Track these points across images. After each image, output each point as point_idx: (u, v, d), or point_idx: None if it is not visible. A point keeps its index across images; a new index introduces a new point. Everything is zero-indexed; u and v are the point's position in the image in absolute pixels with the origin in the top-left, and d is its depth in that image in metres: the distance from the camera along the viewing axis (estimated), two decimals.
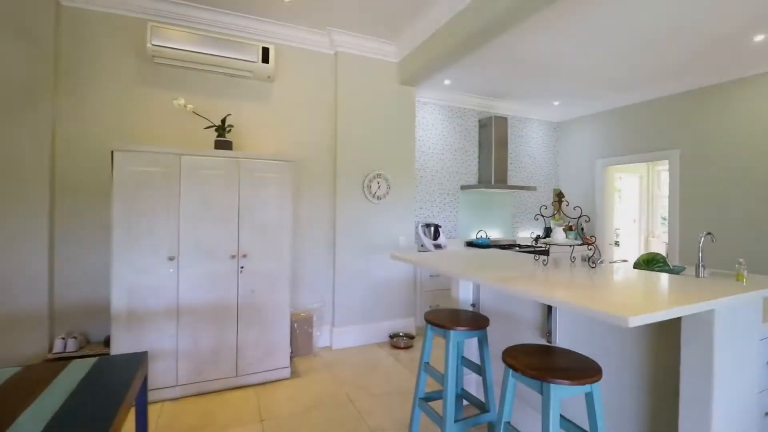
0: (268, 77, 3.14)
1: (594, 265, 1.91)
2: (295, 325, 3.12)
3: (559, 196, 1.89)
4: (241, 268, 2.63)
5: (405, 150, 3.70)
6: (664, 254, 4.23)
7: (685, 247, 4.10)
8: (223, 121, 2.86)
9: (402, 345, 3.38)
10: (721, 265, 3.81)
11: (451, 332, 1.78)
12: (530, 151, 5.26)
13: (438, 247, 3.90)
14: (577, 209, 2.12)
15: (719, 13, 2.76)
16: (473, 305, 2.50)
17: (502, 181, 4.67)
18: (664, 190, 6.30)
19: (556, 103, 4.92)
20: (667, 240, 5.73)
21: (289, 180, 2.80)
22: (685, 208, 4.10)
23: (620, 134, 4.73)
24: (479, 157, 4.81)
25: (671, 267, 2.32)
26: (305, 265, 3.36)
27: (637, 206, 5.97)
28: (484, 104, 4.78)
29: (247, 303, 2.66)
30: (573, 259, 2.06)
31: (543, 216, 2.15)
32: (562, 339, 1.88)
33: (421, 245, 3.95)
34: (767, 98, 3.51)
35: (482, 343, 1.86)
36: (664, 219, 6.43)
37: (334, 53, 3.46)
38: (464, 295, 2.56)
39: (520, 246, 4.57)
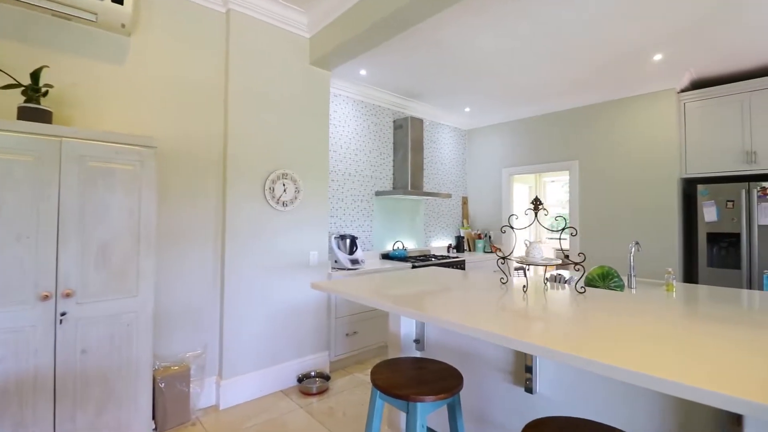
0: (123, 26, 2.14)
1: (583, 290, 1.56)
2: (162, 385, 2.16)
3: (536, 201, 1.47)
4: (62, 315, 1.63)
5: (317, 146, 3.03)
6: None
7: (587, 249, 4.30)
8: (35, 76, 1.79)
9: (315, 390, 2.67)
10: (616, 268, 4.07)
11: (418, 405, 1.20)
12: (442, 157, 5.08)
13: (355, 263, 3.31)
14: (557, 216, 1.77)
15: (628, 30, 2.82)
16: (417, 341, 1.98)
17: (417, 187, 4.33)
18: (550, 199, 6.84)
19: (467, 110, 4.82)
20: (559, 246, 6.14)
21: (151, 175, 1.89)
22: (585, 217, 4.32)
23: (525, 144, 4.84)
24: (394, 160, 4.40)
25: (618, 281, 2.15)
26: (179, 297, 2.41)
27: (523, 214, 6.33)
28: (400, 104, 4.39)
29: (75, 370, 1.66)
30: (546, 282, 1.70)
31: (511, 227, 1.74)
32: (548, 389, 1.46)
33: (335, 261, 3.31)
34: (650, 115, 3.86)
35: (455, 411, 1.33)
36: (552, 228, 6.99)
37: (225, 11, 2.61)
38: (405, 329, 2.02)
39: (436, 257, 4.27)
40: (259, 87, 2.69)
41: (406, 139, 4.23)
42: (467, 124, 5.36)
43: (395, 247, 4.26)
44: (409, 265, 3.72)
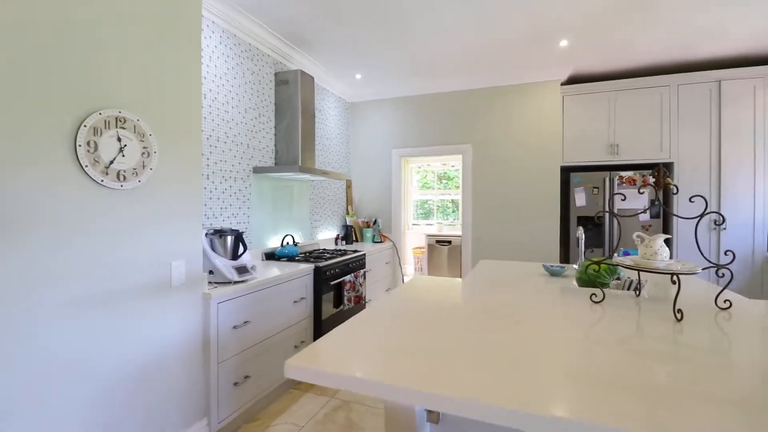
0: None
1: (728, 304, 1.07)
2: None
3: (661, 172, 0.91)
4: None
5: (183, 79, 1.78)
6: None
7: (478, 238, 4.23)
8: None
9: None
10: (506, 253, 4.13)
11: None
12: (327, 131, 4.20)
13: (244, 272, 2.17)
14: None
15: (534, 12, 2.67)
16: (430, 411, 1.18)
17: (310, 165, 3.37)
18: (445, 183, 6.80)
19: (358, 77, 4.07)
20: (454, 232, 6.12)
21: None
22: (477, 202, 4.23)
23: (418, 124, 4.45)
24: (277, 127, 3.29)
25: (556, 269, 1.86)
26: None
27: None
28: (284, 52, 3.29)
29: None
30: (637, 291, 1.17)
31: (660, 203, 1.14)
32: None
33: (210, 272, 2.09)
34: (539, 104, 3.98)
35: None
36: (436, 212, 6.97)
37: None
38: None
39: (329, 252, 3.43)
40: None
41: (295, 100, 3.19)
42: (353, 95, 4.61)
43: (285, 243, 3.20)
44: (311, 266, 2.79)
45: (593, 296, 1.08)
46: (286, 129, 3.22)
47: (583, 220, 4.02)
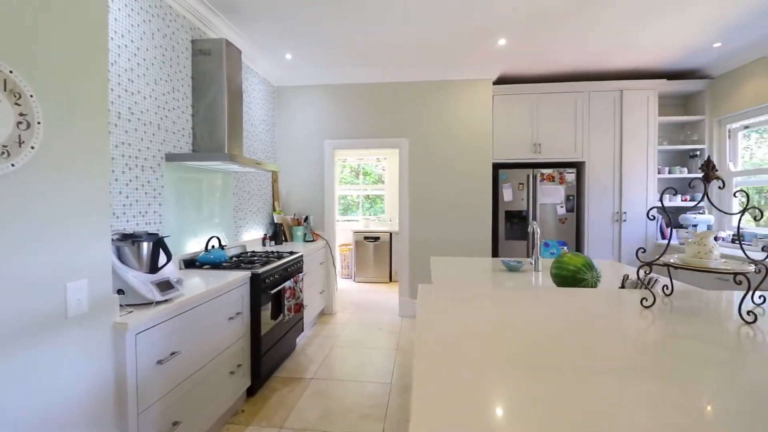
0: None
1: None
2: None
3: (710, 165, 0.84)
4: None
5: (82, 13, 1.24)
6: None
7: (414, 234, 4.15)
8: None
9: None
10: (442, 248, 4.13)
11: None
12: (252, 115, 3.67)
13: (168, 288, 1.67)
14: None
15: (486, 4, 2.67)
16: None
17: (237, 153, 2.86)
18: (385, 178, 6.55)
19: (288, 56, 3.63)
20: (392, 228, 5.94)
21: None
22: (414, 197, 4.14)
23: (353, 114, 4.17)
24: (196, 106, 2.71)
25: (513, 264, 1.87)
26: None
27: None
28: (203, 16, 2.71)
29: None
30: (663, 289, 1.10)
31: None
32: None
33: (119, 291, 1.55)
34: (473, 101, 4.04)
35: None
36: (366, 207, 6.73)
37: None
38: None
39: (259, 255, 2.99)
40: None
41: (220, 76, 2.66)
42: (281, 78, 4.12)
43: (210, 246, 2.66)
44: (246, 274, 2.35)
45: (644, 300, 0.99)
46: (208, 109, 2.67)
47: (509, 214, 4.23)
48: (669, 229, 1.03)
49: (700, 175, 0.96)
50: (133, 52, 2.15)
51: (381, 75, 4.04)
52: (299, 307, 2.97)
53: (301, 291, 3.02)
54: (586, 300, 1.16)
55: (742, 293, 0.90)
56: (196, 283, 2.06)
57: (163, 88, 2.39)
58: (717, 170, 0.91)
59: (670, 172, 4.18)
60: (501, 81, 4.27)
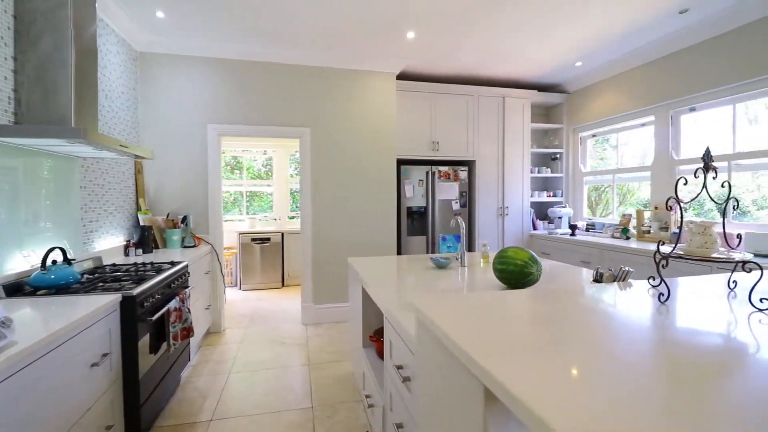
0: None
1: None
2: None
3: (707, 157, 0.85)
4: None
5: None
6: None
7: (318, 229, 3.81)
8: None
9: None
10: (347, 247, 3.89)
11: None
12: (108, 84, 2.77)
13: None
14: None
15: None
16: None
17: (92, 130, 2.07)
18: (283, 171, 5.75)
19: (160, 15, 2.85)
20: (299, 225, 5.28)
21: None
22: (317, 191, 3.79)
23: (246, 96, 3.56)
24: (18, 58, 1.84)
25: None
26: None
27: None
28: None
29: None
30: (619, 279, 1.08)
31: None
32: None
33: None
34: (379, 94, 3.90)
35: None
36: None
37: None
38: None
39: (122, 269, 2.27)
40: None
41: (63, 18, 1.87)
42: (148, 42, 3.24)
43: (49, 261, 1.83)
44: (115, 297, 1.71)
45: (661, 296, 0.94)
46: (41, 64, 1.85)
47: (410, 210, 4.26)
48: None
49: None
50: None
51: (280, 54, 3.56)
52: (187, 333, 2.34)
53: (188, 311, 2.40)
54: (608, 297, 1.09)
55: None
56: (31, 319, 1.36)
57: None
58: (713, 160, 0.92)
59: (538, 172, 4.81)
60: (402, 77, 4.24)
